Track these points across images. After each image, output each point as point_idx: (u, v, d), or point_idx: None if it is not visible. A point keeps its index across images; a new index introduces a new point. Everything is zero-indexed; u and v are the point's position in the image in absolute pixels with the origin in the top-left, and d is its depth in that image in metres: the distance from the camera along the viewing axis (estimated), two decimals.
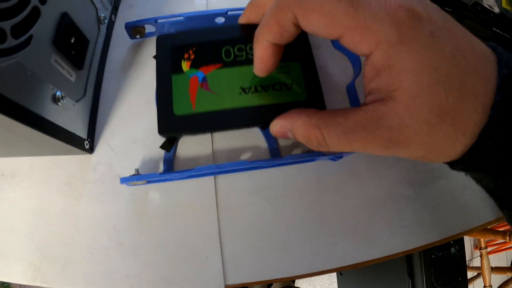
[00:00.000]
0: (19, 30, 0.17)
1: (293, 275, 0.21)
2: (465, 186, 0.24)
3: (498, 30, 0.32)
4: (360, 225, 0.22)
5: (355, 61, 0.25)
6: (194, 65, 0.22)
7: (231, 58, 0.23)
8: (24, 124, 0.17)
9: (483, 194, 0.16)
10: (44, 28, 0.19)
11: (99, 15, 0.24)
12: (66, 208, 0.22)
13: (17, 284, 0.23)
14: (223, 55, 0.23)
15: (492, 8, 0.33)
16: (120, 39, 0.26)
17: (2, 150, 0.22)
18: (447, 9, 0.30)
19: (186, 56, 0.23)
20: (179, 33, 0.24)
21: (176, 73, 0.22)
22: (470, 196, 0.23)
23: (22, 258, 0.22)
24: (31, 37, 0.18)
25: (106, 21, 0.25)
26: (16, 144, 0.21)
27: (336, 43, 0.26)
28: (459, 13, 0.31)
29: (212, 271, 0.21)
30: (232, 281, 0.21)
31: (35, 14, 0.18)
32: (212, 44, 0.23)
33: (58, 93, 0.19)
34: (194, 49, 0.23)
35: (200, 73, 0.22)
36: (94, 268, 0.21)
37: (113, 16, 0.27)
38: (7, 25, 0.16)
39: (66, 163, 0.23)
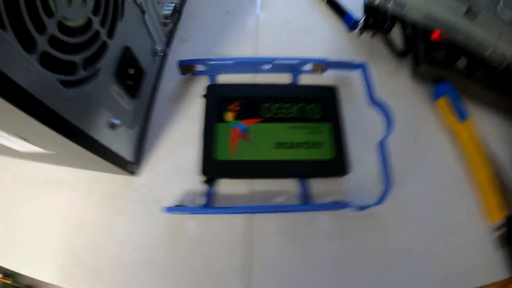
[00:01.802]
0: (88, 63, 0.19)
1: None
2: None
3: None
4: (375, 276, 0.22)
5: (389, 118, 0.25)
6: (238, 117, 0.24)
7: (272, 114, 0.25)
8: (83, 148, 0.18)
9: None
10: (109, 61, 0.20)
11: (155, 48, 0.27)
12: (105, 221, 0.24)
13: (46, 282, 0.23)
14: (264, 110, 0.25)
15: None
16: (171, 72, 0.28)
17: (52, 159, 0.23)
18: (481, 70, 0.29)
19: (231, 107, 0.25)
20: (228, 85, 0.27)
21: (219, 122, 0.24)
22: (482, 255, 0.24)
23: (57, 260, 0.23)
24: (99, 69, 0.19)
25: (161, 54, 0.27)
26: (70, 158, 0.22)
27: (372, 99, 0.26)
28: (492, 73, 0.29)
29: None
30: None
31: (103, 48, 0.20)
32: (256, 99, 0.25)
33: (116, 121, 0.21)
34: (239, 102, 0.25)
35: (242, 124, 0.24)
36: (123, 281, 0.22)
37: (167, 49, 0.29)
38: (79, 58, 0.18)
39: (110, 181, 0.25)
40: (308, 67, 0.27)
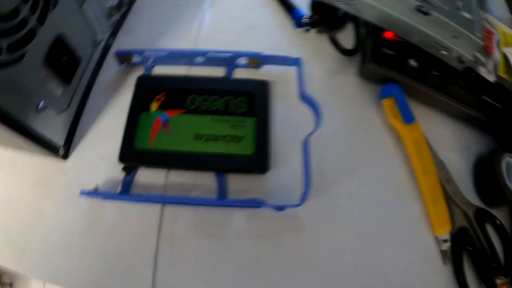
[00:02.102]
0: (15, 47, 0.20)
1: None
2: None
3: (488, 99, 0.31)
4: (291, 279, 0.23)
5: (318, 115, 0.27)
6: (162, 107, 0.26)
7: (194, 105, 0.26)
8: (7, 128, 0.20)
9: None
10: (38, 47, 0.22)
11: (95, 38, 0.28)
12: (35, 203, 0.25)
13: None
14: (188, 102, 0.26)
15: (488, 75, 0.32)
16: (113, 62, 0.29)
17: None
18: (435, 73, 0.30)
19: (157, 97, 0.26)
20: (158, 77, 0.28)
21: (144, 112, 0.26)
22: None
23: None
24: (24, 54, 0.21)
25: (103, 43, 0.29)
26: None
27: (302, 95, 0.28)
28: (446, 77, 0.31)
29: None
30: None
31: (31, 34, 0.21)
32: (182, 91, 0.26)
33: (41, 104, 0.22)
34: (166, 92, 0.26)
35: (164, 115, 0.25)
36: (45, 260, 0.24)
37: (111, 39, 0.30)
38: (4, 42, 0.19)
39: (43, 164, 0.26)
40: (243, 61, 0.29)
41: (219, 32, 0.32)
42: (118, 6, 0.30)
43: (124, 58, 0.28)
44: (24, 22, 0.21)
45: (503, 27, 0.38)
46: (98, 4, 0.28)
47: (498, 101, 0.33)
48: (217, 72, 0.29)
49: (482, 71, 0.33)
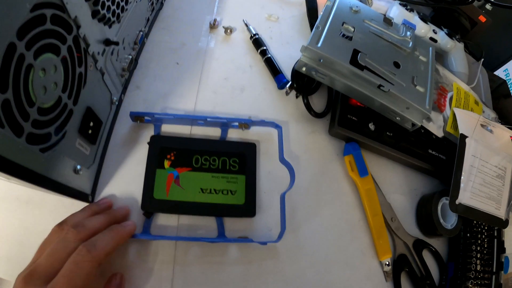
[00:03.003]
0: (59, 129, 0.26)
1: None
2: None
3: (433, 152, 0.41)
4: None
5: (292, 177, 0.35)
6: (173, 165, 0.33)
7: (198, 165, 0.33)
8: (53, 191, 0.26)
9: None
10: (74, 122, 0.28)
11: (112, 98, 0.34)
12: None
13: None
14: (193, 161, 0.33)
15: (437, 130, 0.41)
16: (125, 117, 0.35)
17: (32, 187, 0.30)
18: (388, 133, 0.38)
19: (168, 156, 0.33)
20: (167, 137, 0.35)
21: (159, 168, 0.32)
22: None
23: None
24: (65, 132, 0.27)
25: (117, 102, 0.35)
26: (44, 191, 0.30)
27: (281, 159, 0.36)
28: (398, 136, 0.39)
29: None
30: None
31: (70, 115, 0.27)
32: (188, 151, 0.33)
33: (78, 167, 0.29)
34: (175, 152, 0.33)
35: (175, 172, 0.33)
36: None
37: (122, 95, 0.36)
38: (52, 129, 0.25)
39: (73, 203, 0.31)
40: (235, 123, 0.36)
41: (215, 93, 0.38)
42: (129, 67, 0.36)
43: (137, 117, 0.34)
44: (65, 107, 0.27)
45: (458, 83, 0.47)
46: (114, 70, 0.34)
47: (443, 153, 0.43)
48: (214, 131, 0.36)
49: (432, 127, 0.42)
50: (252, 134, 0.37)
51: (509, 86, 0.57)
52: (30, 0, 0.21)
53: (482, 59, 0.52)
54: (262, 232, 0.34)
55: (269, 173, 0.36)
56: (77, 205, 0.32)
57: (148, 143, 0.33)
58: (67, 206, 0.32)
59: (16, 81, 0.21)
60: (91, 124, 0.31)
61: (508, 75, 0.59)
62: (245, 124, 0.36)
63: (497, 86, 0.60)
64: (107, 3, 0.30)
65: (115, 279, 0.29)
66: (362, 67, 0.34)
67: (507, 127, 0.42)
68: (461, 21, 0.49)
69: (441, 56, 0.47)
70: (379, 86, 0.35)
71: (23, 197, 0.32)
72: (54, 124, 0.25)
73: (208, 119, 0.35)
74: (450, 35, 0.44)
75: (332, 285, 0.34)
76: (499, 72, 0.62)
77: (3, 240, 0.31)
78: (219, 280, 0.32)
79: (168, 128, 0.36)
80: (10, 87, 0.20)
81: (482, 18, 0.51)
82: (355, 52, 0.35)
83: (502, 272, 0.41)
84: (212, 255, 0.32)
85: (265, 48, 0.41)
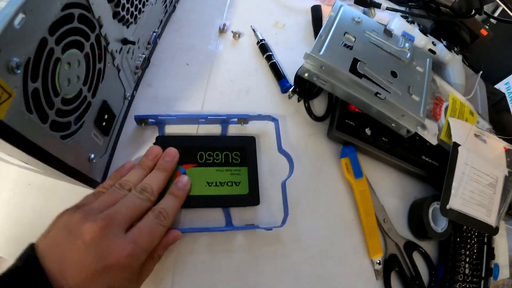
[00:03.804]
0: (77, 119, 0.29)
1: None
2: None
3: (427, 159, 0.43)
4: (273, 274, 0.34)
5: (291, 165, 0.37)
6: (179, 162, 0.35)
7: (203, 160, 0.35)
8: (69, 177, 0.29)
9: None
10: (91, 114, 0.31)
11: (125, 94, 0.37)
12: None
13: None
14: (198, 157, 0.35)
15: (431, 138, 0.43)
16: (137, 111, 0.38)
17: (42, 171, 0.33)
18: (384, 138, 0.41)
19: None
20: (172, 136, 0.37)
21: None
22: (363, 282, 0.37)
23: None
24: (83, 122, 0.30)
25: (129, 97, 0.38)
26: (57, 176, 0.32)
27: (280, 149, 0.39)
28: (393, 142, 0.41)
29: None
30: None
31: (88, 106, 0.30)
32: (192, 148, 0.36)
33: (92, 156, 0.31)
34: (180, 150, 0.35)
35: (182, 168, 0.35)
36: None
37: (134, 92, 0.39)
38: (72, 118, 0.28)
39: (84, 191, 0.33)
40: (234, 119, 0.39)
41: (222, 93, 0.41)
42: (142, 65, 0.39)
43: (141, 120, 0.37)
44: (84, 99, 0.29)
45: (455, 94, 0.50)
46: (128, 67, 0.37)
47: (437, 160, 0.45)
48: (216, 128, 0.39)
49: (426, 135, 0.45)
50: (251, 129, 0.40)
51: (508, 100, 0.59)
52: (62, 0, 0.23)
53: (481, 72, 0.55)
54: (265, 219, 0.36)
55: (269, 164, 0.38)
56: (87, 193, 0.34)
57: (154, 144, 0.36)
58: (78, 193, 0.34)
59: (45, 73, 0.23)
60: (106, 116, 0.33)
61: (509, 88, 0.61)
62: (244, 119, 0.39)
63: (499, 100, 0.62)
64: (126, 5, 0.33)
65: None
66: (360, 75, 0.37)
67: (501, 137, 0.45)
68: (461, 34, 0.52)
69: (439, 68, 0.50)
70: (376, 93, 0.37)
71: (35, 183, 0.35)
72: (75, 114, 0.28)
73: (209, 117, 0.37)
74: (448, 47, 0.47)
75: (325, 279, 0.36)
76: (500, 86, 0.64)
77: (14, 223, 0.33)
78: (226, 266, 0.34)
79: (172, 128, 0.38)
80: (40, 77, 0.22)
81: (484, 32, 0.53)
82: (355, 61, 0.38)
83: (491, 278, 0.43)
84: (220, 243, 0.34)
85: (270, 53, 0.44)
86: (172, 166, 0.34)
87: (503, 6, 0.51)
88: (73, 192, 0.34)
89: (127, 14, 0.33)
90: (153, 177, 0.32)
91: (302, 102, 0.43)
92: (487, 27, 0.55)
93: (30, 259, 0.24)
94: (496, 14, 0.64)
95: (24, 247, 0.24)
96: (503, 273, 0.43)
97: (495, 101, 0.61)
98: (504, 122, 0.53)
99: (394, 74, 0.40)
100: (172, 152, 0.34)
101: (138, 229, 0.28)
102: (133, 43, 0.34)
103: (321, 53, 0.37)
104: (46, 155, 0.25)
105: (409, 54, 0.42)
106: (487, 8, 0.59)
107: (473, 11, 0.50)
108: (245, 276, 0.34)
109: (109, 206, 0.28)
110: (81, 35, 0.27)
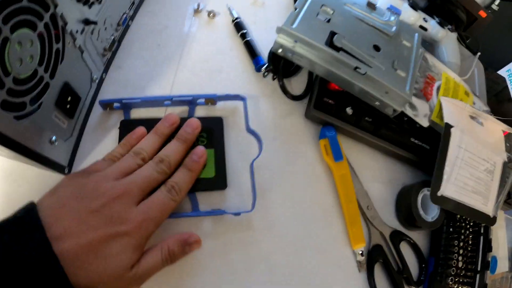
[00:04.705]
0: (34, 100, 0.30)
1: None
2: None
3: (416, 141, 0.42)
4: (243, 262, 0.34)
5: (260, 145, 0.37)
6: None
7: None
8: (29, 159, 0.30)
9: None
10: (51, 95, 0.32)
11: (92, 76, 0.38)
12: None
13: None
14: None
15: (422, 119, 0.42)
16: (106, 94, 0.39)
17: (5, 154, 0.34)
18: (367, 118, 0.40)
19: None
20: (136, 120, 0.38)
21: None
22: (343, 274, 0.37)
23: None
24: (41, 103, 0.31)
25: (97, 80, 0.38)
26: (19, 159, 0.34)
27: (248, 128, 0.39)
28: (378, 122, 0.40)
29: None
30: None
31: (46, 87, 0.31)
32: None
33: (53, 138, 0.32)
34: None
35: None
36: None
37: (104, 74, 0.40)
38: (27, 99, 0.29)
39: (52, 176, 0.34)
40: (202, 100, 0.39)
41: (193, 75, 0.42)
42: (110, 47, 0.39)
43: (107, 105, 0.38)
44: (41, 79, 0.30)
45: (448, 73, 0.48)
46: (94, 49, 0.37)
47: (427, 142, 0.43)
48: (183, 110, 0.39)
49: (416, 116, 0.43)
50: (219, 109, 0.40)
51: (510, 86, 0.56)
52: None
53: (479, 53, 0.52)
54: (234, 203, 0.37)
55: (239, 146, 0.39)
56: (56, 178, 0.35)
57: (119, 128, 0.37)
58: (47, 179, 0.36)
59: None
60: (69, 99, 0.34)
61: (510, 75, 0.59)
62: (211, 99, 0.39)
63: (501, 90, 0.59)
64: None
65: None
66: (338, 49, 0.36)
67: (499, 119, 0.42)
68: (456, 13, 0.49)
69: (432, 46, 0.47)
70: (356, 68, 0.36)
71: (4, 168, 0.36)
72: (30, 95, 0.29)
73: (174, 99, 0.38)
74: (441, 23, 0.45)
75: (300, 270, 0.36)
76: (502, 72, 0.62)
77: None
78: (193, 254, 0.33)
79: (140, 112, 0.39)
80: None
81: (483, 14, 0.51)
82: (333, 34, 0.37)
83: (488, 272, 0.41)
84: (186, 230, 0.34)
85: (245, 31, 0.44)
86: (192, 138, 0.34)
87: None
88: (42, 177, 0.36)
89: None
90: (172, 149, 0.33)
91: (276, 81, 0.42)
92: (486, 9, 0.52)
93: (29, 212, 0.26)
94: None
95: None
96: (502, 266, 0.41)
97: (497, 90, 0.59)
98: (505, 112, 0.50)
99: (377, 48, 0.38)
100: (195, 123, 0.35)
101: (150, 202, 0.29)
102: (95, 23, 0.35)
103: (294, 26, 0.36)
104: None
105: (394, 28, 0.40)
106: None
107: None
108: (212, 265, 0.34)
109: (124, 174, 0.30)
110: (32, 14, 0.27)
